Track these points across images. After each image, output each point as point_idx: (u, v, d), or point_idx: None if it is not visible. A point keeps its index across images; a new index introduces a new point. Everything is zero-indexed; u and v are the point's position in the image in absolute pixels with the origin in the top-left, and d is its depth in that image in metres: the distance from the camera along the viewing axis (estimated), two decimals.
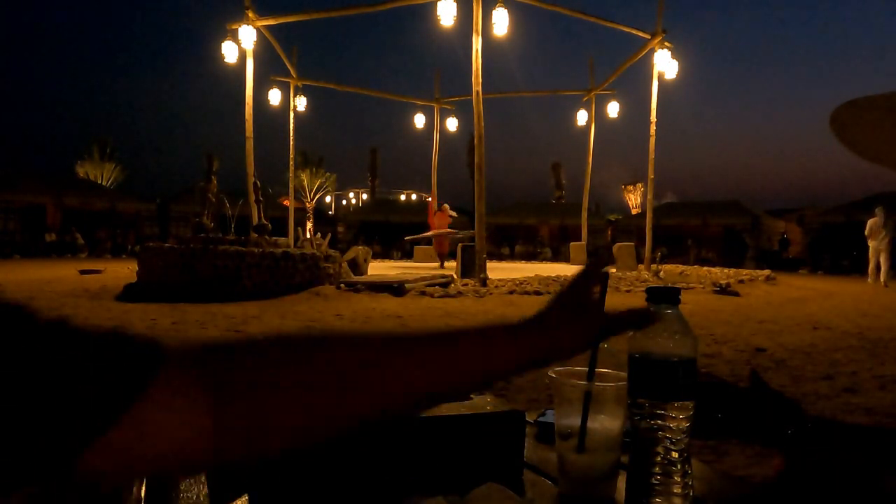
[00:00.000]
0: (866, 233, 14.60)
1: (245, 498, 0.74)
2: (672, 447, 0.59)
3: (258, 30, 12.88)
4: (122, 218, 31.22)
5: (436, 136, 19.54)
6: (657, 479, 0.58)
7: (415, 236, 18.19)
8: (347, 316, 7.35)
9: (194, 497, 0.76)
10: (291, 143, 16.61)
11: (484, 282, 10.48)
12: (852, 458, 0.77)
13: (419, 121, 19.38)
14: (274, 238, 10.73)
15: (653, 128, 14.10)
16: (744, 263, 23.25)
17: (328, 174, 37.85)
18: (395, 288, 9.49)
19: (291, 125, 16.41)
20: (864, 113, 0.73)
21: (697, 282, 12.75)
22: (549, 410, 1.05)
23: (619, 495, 0.78)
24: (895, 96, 0.69)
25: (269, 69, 16.06)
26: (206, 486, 0.77)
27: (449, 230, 16.29)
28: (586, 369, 0.74)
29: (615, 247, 17.01)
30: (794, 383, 4.33)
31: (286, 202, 19.81)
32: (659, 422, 0.59)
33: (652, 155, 14.13)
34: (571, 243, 20.74)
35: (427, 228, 17.71)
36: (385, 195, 49.49)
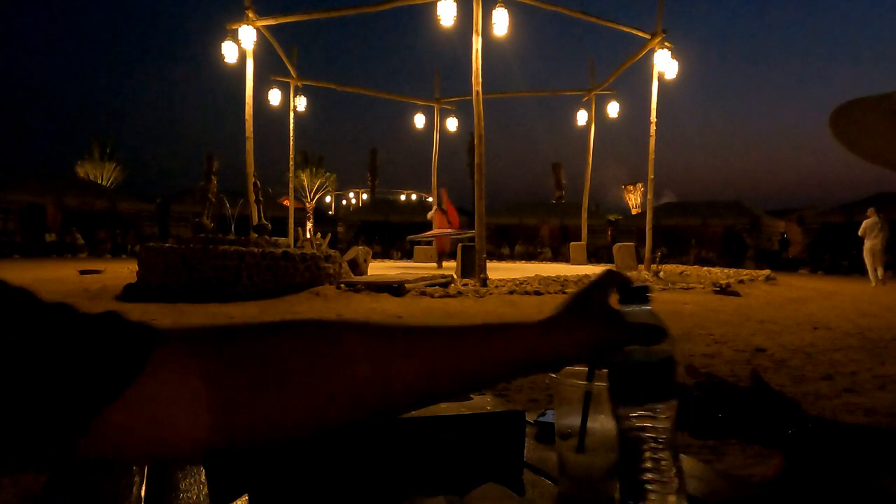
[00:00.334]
0: (860, 233, 14.80)
1: (245, 498, 0.74)
2: (659, 446, 0.59)
3: (258, 30, 12.88)
4: (122, 218, 31.21)
5: (436, 136, 19.54)
6: (648, 481, 0.58)
7: (415, 236, 18.19)
8: (348, 316, 7.35)
9: (194, 497, 0.76)
10: (291, 143, 16.61)
11: (484, 282, 10.48)
12: (852, 458, 0.78)
13: (419, 121, 19.39)
14: (274, 238, 10.73)
15: (653, 128, 14.10)
16: (744, 263, 23.24)
17: (328, 174, 37.82)
18: (395, 288, 9.49)
19: (291, 125, 16.41)
20: (863, 113, 0.73)
21: (697, 282, 12.75)
22: (549, 410, 1.05)
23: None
24: (894, 96, 0.69)
25: (269, 69, 16.08)
26: (207, 487, 0.77)
27: (449, 230, 16.28)
28: (586, 369, 0.74)
29: (615, 247, 17.02)
30: (794, 383, 4.33)
31: (286, 202, 19.81)
32: (644, 424, 0.59)
33: (652, 155, 14.13)
34: (571, 243, 20.75)
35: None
36: (385, 195, 49.52)
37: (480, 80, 10.87)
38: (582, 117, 18.34)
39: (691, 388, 0.84)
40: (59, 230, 28.09)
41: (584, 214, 19.72)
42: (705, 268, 17.63)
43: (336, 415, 0.45)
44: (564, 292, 10.06)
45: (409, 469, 0.75)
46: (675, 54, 13.46)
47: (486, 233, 11.19)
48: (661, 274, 14.16)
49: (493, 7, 11.30)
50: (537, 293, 9.79)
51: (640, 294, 0.62)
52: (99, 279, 12.33)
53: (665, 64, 13.38)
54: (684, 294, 10.64)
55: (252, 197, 12.31)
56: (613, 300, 0.61)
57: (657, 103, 13.95)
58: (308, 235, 16.46)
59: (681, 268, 17.57)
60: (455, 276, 11.55)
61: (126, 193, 34.94)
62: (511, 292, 9.72)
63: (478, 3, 10.74)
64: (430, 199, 20.42)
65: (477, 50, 10.77)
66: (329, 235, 13.46)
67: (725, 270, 16.32)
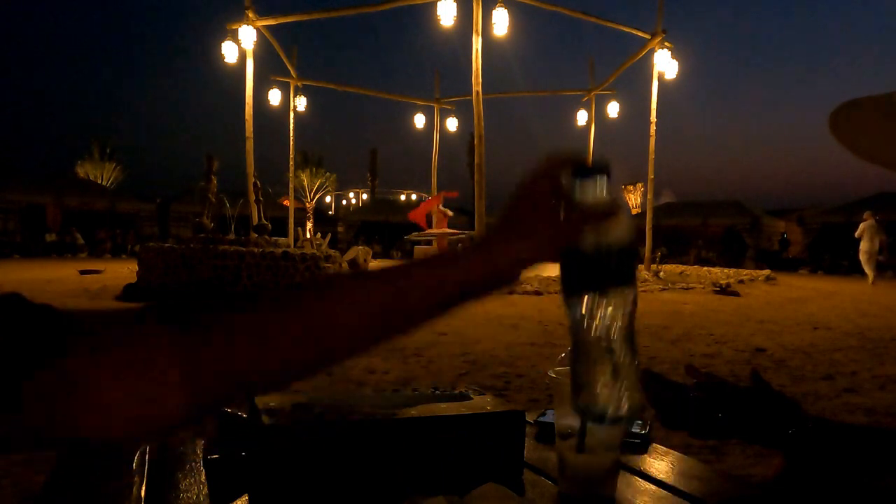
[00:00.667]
0: (857, 234, 15.27)
1: (245, 498, 0.74)
2: (613, 343, 0.53)
3: (258, 30, 12.87)
4: (122, 218, 31.19)
5: (436, 136, 19.53)
6: (599, 378, 0.53)
7: (415, 235, 18.19)
8: None
9: (194, 497, 0.76)
10: (291, 143, 16.60)
11: None
12: (852, 458, 0.77)
13: (419, 121, 19.37)
14: (274, 238, 10.73)
15: (653, 128, 14.10)
16: (744, 263, 23.24)
17: (328, 174, 37.80)
18: None
19: (291, 125, 16.40)
20: (863, 113, 0.73)
21: (697, 282, 12.75)
22: (549, 410, 1.05)
23: (620, 495, 0.78)
24: (894, 96, 0.69)
25: (269, 69, 16.06)
26: (207, 487, 0.77)
27: (449, 230, 16.29)
28: None
29: None
30: (794, 383, 4.33)
31: (286, 202, 19.79)
32: (599, 314, 0.53)
33: (652, 155, 14.13)
34: None
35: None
36: (385, 195, 49.46)
37: (480, 80, 10.86)
38: (582, 117, 18.33)
39: (691, 388, 0.84)
40: (59, 230, 28.07)
41: None
42: (705, 268, 17.64)
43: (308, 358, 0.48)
44: None
45: (409, 469, 0.75)
46: (675, 54, 13.46)
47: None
48: (662, 274, 14.16)
49: (493, 7, 11.29)
50: (537, 293, 9.79)
51: (595, 170, 0.55)
52: (99, 279, 12.33)
53: (665, 64, 13.38)
54: (684, 294, 10.64)
55: (252, 197, 12.30)
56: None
57: (657, 103, 13.94)
58: (308, 235, 16.47)
59: (681, 268, 17.58)
60: None
61: (126, 193, 34.93)
62: (511, 292, 9.71)
63: (478, 3, 10.73)
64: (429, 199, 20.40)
65: (477, 50, 10.77)
66: (329, 235, 13.47)
67: (725, 270, 16.32)
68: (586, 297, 0.53)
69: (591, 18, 14.80)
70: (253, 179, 12.57)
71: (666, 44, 13.40)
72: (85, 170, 40.03)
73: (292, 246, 11.15)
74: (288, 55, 15.75)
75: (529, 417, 0.98)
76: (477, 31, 10.75)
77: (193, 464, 0.85)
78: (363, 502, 0.74)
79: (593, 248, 0.53)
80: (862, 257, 15.19)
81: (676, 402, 0.85)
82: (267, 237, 10.50)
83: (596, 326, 0.53)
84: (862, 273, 15.91)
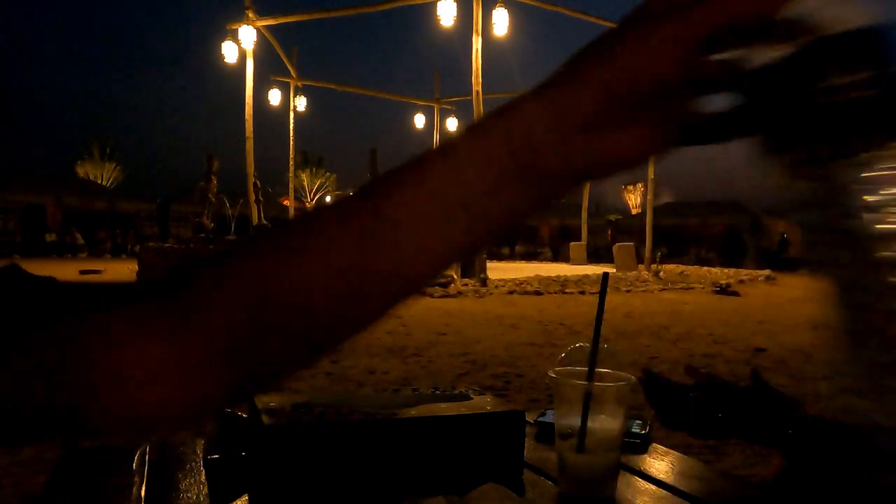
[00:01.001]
0: None
1: (245, 498, 0.74)
2: None
3: (258, 30, 12.88)
4: (122, 218, 31.23)
5: (436, 137, 19.54)
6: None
7: None
8: None
9: (194, 497, 0.76)
10: (291, 143, 16.61)
11: (484, 282, 10.48)
12: (852, 458, 0.78)
13: (419, 121, 19.40)
14: None
15: None
16: (744, 263, 23.25)
17: (328, 174, 37.89)
18: None
19: (291, 125, 16.41)
20: None
21: (697, 282, 12.75)
22: (549, 410, 1.05)
23: (620, 495, 0.78)
24: None
25: (269, 69, 16.08)
26: (207, 487, 0.77)
27: None
28: (586, 369, 0.74)
29: (615, 247, 17.01)
30: (794, 383, 4.33)
31: (286, 202, 19.81)
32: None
33: None
34: (571, 243, 20.77)
35: None
36: None
37: (480, 80, 10.87)
38: None
39: (691, 388, 0.84)
40: (59, 230, 28.08)
41: (584, 214, 19.74)
42: (705, 268, 17.65)
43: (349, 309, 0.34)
44: (564, 292, 10.06)
45: (409, 469, 0.75)
46: None
47: None
48: (661, 274, 14.16)
49: (493, 7, 11.30)
50: (537, 293, 9.79)
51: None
52: (99, 279, 12.34)
53: None
54: (684, 294, 10.65)
55: (252, 197, 12.31)
56: None
57: None
58: None
59: (681, 268, 17.58)
60: (455, 276, 11.54)
61: (126, 193, 34.99)
62: (511, 292, 9.72)
63: (478, 3, 10.74)
64: None
65: (477, 50, 10.78)
66: None
67: (725, 270, 16.32)
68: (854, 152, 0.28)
69: (591, 18, 14.83)
70: (253, 179, 12.58)
71: None
72: (85, 170, 40.09)
73: None
74: (288, 55, 15.76)
75: (529, 417, 0.98)
76: (477, 31, 10.75)
77: (193, 464, 0.85)
78: (363, 502, 0.74)
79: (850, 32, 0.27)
80: None
81: (676, 402, 0.85)
82: None
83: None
84: None
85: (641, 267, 14.90)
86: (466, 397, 0.87)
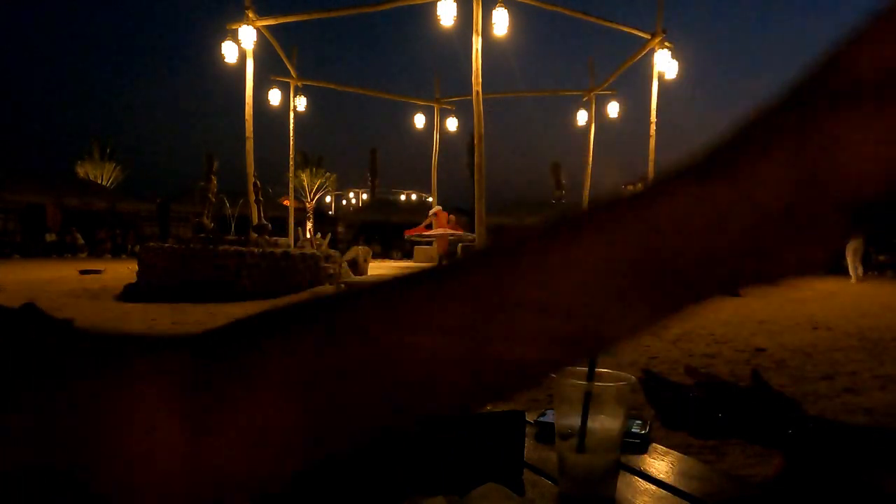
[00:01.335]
0: None
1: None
2: None
3: (258, 30, 12.87)
4: (122, 218, 31.23)
5: (436, 137, 19.52)
6: None
7: (416, 233, 18.17)
8: None
9: None
10: (291, 143, 16.59)
11: None
12: (852, 458, 0.77)
13: (419, 121, 19.37)
14: (274, 238, 10.73)
15: (653, 128, 14.10)
16: None
17: (328, 174, 37.79)
18: None
19: (291, 125, 16.40)
20: None
21: None
22: (549, 410, 1.05)
23: (620, 495, 0.78)
24: None
25: (269, 69, 16.05)
26: None
27: (449, 231, 16.30)
28: (586, 369, 0.74)
29: None
30: (794, 383, 4.33)
31: (286, 202, 19.79)
32: None
33: (652, 155, 14.13)
34: None
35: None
36: (385, 195, 49.52)
37: (480, 80, 10.86)
38: (582, 117, 18.32)
39: (691, 388, 0.84)
40: (59, 230, 28.08)
41: None
42: None
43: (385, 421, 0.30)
44: None
45: (409, 469, 0.75)
46: (675, 54, 13.47)
47: (486, 233, 11.19)
48: None
49: (493, 7, 11.30)
50: None
51: None
52: (99, 279, 12.33)
53: (665, 64, 13.38)
54: None
55: (252, 197, 12.30)
56: None
57: (657, 103, 13.95)
58: (308, 235, 16.47)
59: None
60: None
61: (126, 193, 34.99)
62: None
63: (478, 3, 10.73)
64: (430, 199, 20.42)
65: (477, 50, 10.77)
66: (329, 235, 13.47)
67: None
68: None
69: (590, 18, 14.80)
70: (253, 179, 12.57)
71: (666, 44, 13.40)
72: (85, 170, 40.06)
73: (292, 246, 11.16)
74: (288, 55, 15.75)
75: (529, 417, 0.98)
76: (477, 31, 10.75)
77: None
78: (363, 502, 0.74)
79: None
80: (848, 254, 15.30)
81: (676, 402, 0.85)
82: (267, 237, 10.50)
83: None
84: (864, 273, 16.03)
85: None
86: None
